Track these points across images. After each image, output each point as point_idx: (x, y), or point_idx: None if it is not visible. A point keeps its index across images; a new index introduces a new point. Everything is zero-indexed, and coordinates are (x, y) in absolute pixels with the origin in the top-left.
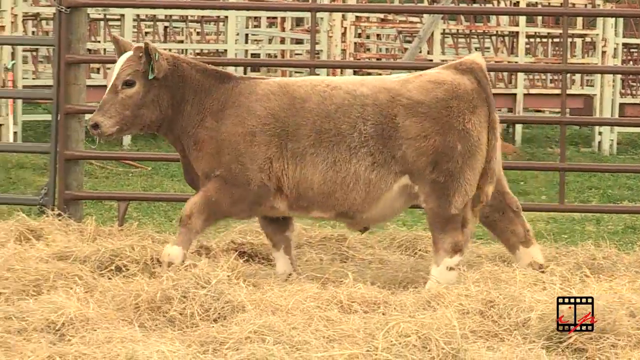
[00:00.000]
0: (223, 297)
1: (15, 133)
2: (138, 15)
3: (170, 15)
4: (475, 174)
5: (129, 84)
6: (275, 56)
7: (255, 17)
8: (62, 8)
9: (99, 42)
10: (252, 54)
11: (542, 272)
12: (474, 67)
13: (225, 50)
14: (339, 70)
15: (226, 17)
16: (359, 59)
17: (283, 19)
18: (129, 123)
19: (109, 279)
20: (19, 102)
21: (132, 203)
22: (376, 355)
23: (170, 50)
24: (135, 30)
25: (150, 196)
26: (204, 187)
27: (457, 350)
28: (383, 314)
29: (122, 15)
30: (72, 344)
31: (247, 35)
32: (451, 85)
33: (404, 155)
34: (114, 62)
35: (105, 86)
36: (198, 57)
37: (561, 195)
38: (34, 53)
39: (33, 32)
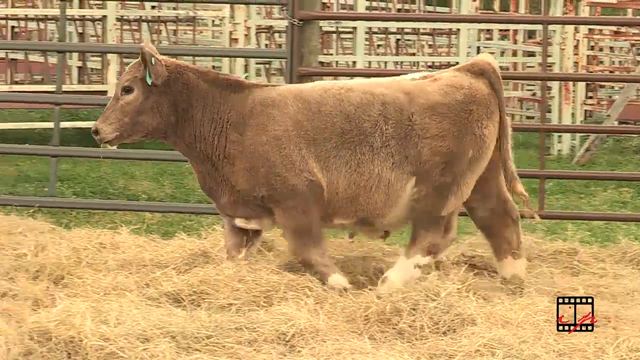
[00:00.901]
0: (453, 310)
1: None
2: (370, 28)
3: (402, 28)
4: (474, 179)
5: (127, 90)
6: (507, 69)
7: (487, 30)
8: (294, 21)
9: (331, 54)
10: None
11: (521, 288)
12: (487, 68)
13: (457, 63)
14: (570, 83)
15: (458, 29)
16: (592, 72)
17: (515, 32)
18: (128, 130)
19: (339, 290)
20: None
21: None
22: None
23: (401, 63)
24: (367, 43)
25: None
26: (283, 232)
27: None
28: (614, 329)
29: (354, 28)
30: (302, 355)
31: (478, 47)
32: (469, 90)
33: (417, 155)
34: (346, 74)
35: None
36: (429, 69)
37: None
38: (267, 65)
39: (266, 45)
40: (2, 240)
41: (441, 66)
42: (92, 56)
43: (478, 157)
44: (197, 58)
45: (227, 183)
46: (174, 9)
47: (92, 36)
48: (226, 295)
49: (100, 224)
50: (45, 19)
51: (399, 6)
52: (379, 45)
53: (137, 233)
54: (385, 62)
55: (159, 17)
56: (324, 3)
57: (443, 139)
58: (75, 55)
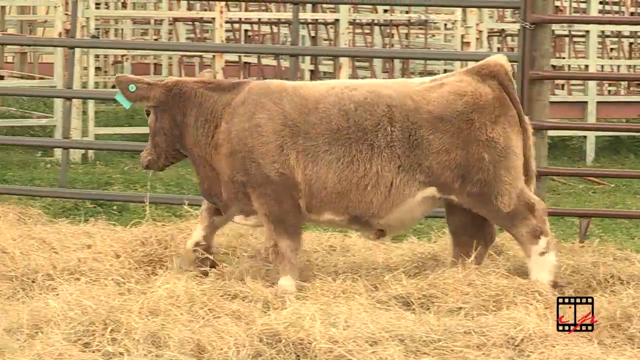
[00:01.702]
0: None
1: None
2: (603, 32)
3: (636, 32)
4: (513, 173)
5: (147, 114)
6: None
7: None
8: (526, 24)
9: (564, 58)
10: None
11: None
12: (498, 70)
13: None
14: None
15: None
16: None
17: None
18: (154, 152)
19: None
20: None
21: (594, 220)
22: None
23: (634, 67)
24: (600, 46)
25: (612, 213)
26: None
27: None
28: None
29: (587, 32)
30: (531, 359)
31: None
32: (472, 97)
33: (430, 167)
34: (578, 78)
35: (568, 103)
36: None
37: None
38: None
39: (498, 48)
40: (234, 243)
41: None
42: (324, 59)
43: (502, 157)
44: (428, 61)
45: (220, 177)
46: (407, 12)
47: (325, 40)
48: (455, 299)
49: (330, 227)
50: (278, 22)
51: (632, 9)
52: (612, 49)
53: (367, 236)
54: (618, 66)
55: (391, 20)
56: (556, 6)
57: (447, 152)
58: (307, 58)
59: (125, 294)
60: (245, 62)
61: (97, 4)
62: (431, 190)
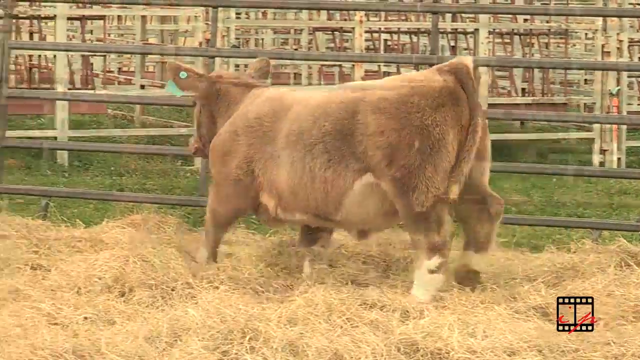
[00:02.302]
0: None
1: (618, 159)
2: None
3: None
4: (439, 172)
5: (193, 104)
6: None
7: None
8: None
9: None
10: None
11: (476, 282)
12: (459, 67)
13: None
14: None
15: None
16: None
17: None
18: (200, 141)
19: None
20: (623, 128)
21: None
22: None
23: None
24: None
25: None
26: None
27: None
28: None
29: None
30: None
31: None
32: (419, 83)
33: (364, 152)
34: None
35: None
36: None
37: None
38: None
39: (639, 58)
40: (372, 252)
41: None
42: None
43: (431, 148)
44: (568, 71)
45: None
46: (547, 21)
47: (464, 49)
48: (594, 309)
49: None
50: (417, 32)
51: None
52: None
53: (506, 246)
54: None
55: (531, 30)
56: None
57: (382, 134)
58: None
59: (263, 303)
60: (385, 72)
61: (237, 13)
62: (367, 177)
